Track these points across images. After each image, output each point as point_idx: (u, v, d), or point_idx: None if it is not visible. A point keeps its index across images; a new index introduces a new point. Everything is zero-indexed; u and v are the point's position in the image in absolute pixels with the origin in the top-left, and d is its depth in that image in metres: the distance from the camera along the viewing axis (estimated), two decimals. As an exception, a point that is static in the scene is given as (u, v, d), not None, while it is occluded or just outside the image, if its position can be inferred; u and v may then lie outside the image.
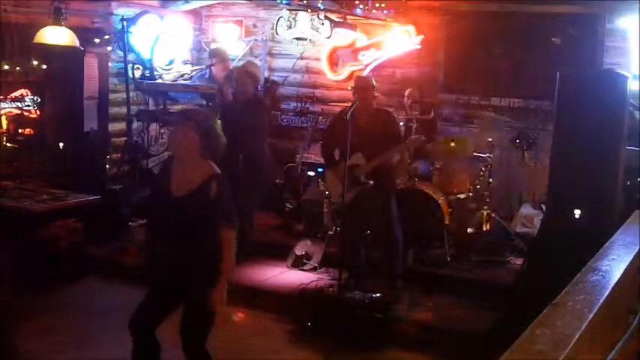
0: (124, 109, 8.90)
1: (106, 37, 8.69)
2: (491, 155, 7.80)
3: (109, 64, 8.81)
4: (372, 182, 6.46)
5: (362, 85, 6.72)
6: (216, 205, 4.31)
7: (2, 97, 7.79)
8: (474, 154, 7.86)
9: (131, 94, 8.95)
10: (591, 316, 1.86)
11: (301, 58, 9.89)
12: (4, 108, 7.85)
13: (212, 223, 4.31)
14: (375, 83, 6.75)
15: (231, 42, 10.09)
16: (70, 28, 7.53)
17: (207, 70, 9.34)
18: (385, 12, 8.66)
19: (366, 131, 6.38)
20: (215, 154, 4.41)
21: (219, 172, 4.37)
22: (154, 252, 4.54)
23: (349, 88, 7.10)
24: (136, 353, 4.47)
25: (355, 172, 6.46)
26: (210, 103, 9.20)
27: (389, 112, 6.98)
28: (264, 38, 9.97)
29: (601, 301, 1.98)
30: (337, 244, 7.05)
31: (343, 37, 9.36)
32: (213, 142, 4.37)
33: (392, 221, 6.67)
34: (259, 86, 8.69)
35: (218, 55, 9.23)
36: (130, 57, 9.04)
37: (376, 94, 6.71)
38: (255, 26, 10.12)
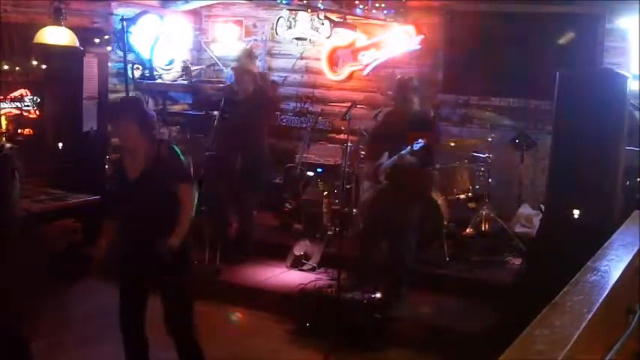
0: (123, 109, 8.89)
1: (106, 37, 8.68)
2: (491, 155, 7.80)
3: (109, 64, 8.80)
4: (385, 182, 6.45)
5: (400, 86, 6.78)
6: (171, 174, 4.51)
7: (2, 97, 7.78)
8: (474, 154, 7.87)
9: (131, 94, 8.95)
10: (590, 316, 1.86)
11: (301, 58, 9.88)
12: (4, 108, 7.85)
13: (169, 194, 4.48)
14: (416, 84, 6.76)
15: (231, 42, 10.09)
16: (69, 28, 7.53)
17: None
18: (385, 12, 8.66)
19: (399, 132, 6.38)
20: (152, 131, 4.60)
21: (160, 140, 4.65)
22: (122, 240, 4.67)
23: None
24: (128, 352, 4.58)
25: (378, 171, 6.48)
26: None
27: (426, 114, 6.97)
28: (264, 38, 9.97)
29: (600, 301, 1.98)
30: (337, 243, 7.05)
31: (343, 37, 9.35)
32: (148, 122, 4.58)
33: (405, 234, 6.58)
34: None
35: (246, 56, 9.18)
36: (130, 57, 9.04)
37: (415, 96, 6.69)
38: (255, 26, 10.11)
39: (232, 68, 8.38)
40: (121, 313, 4.65)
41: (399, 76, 8.14)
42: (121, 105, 5.07)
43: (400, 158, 6.39)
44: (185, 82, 9.79)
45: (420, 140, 6.30)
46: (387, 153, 6.45)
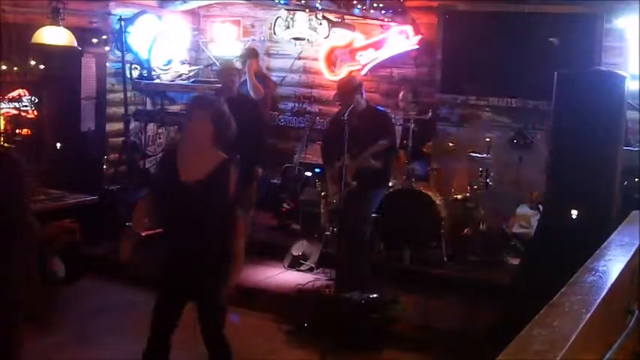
0: (121, 109, 8.90)
1: (104, 37, 8.68)
2: (489, 155, 7.81)
3: (107, 64, 8.81)
4: (354, 183, 6.46)
5: (341, 90, 6.79)
6: (228, 190, 4.33)
7: (0, 97, 7.78)
8: (472, 154, 7.87)
9: (129, 94, 8.95)
10: (588, 316, 1.86)
11: (299, 58, 9.88)
12: (2, 108, 7.84)
13: (225, 209, 4.34)
14: (356, 84, 6.74)
15: (229, 42, 10.09)
16: (67, 28, 7.52)
17: None
18: (383, 12, 8.66)
19: (354, 132, 6.36)
20: (226, 141, 4.42)
21: (227, 157, 4.39)
22: (167, 244, 4.51)
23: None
24: (149, 353, 4.48)
25: (343, 173, 6.44)
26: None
27: (378, 112, 6.94)
28: (262, 38, 9.97)
29: (598, 301, 1.98)
30: (334, 244, 7.07)
31: (341, 37, 9.36)
32: (225, 130, 4.39)
33: (359, 220, 6.61)
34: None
35: (251, 54, 9.16)
36: (128, 57, 9.03)
37: (358, 95, 6.67)
38: (252, 26, 10.11)
39: (220, 66, 8.29)
40: (154, 320, 4.46)
41: (341, 77, 8.15)
42: (203, 100, 4.92)
43: (365, 159, 6.46)
44: (183, 82, 9.79)
45: (382, 141, 6.37)
46: (347, 155, 6.41)
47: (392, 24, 8.98)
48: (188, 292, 4.47)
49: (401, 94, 8.48)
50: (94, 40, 8.51)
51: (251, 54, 8.84)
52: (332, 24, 9.02)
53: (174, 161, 4.40)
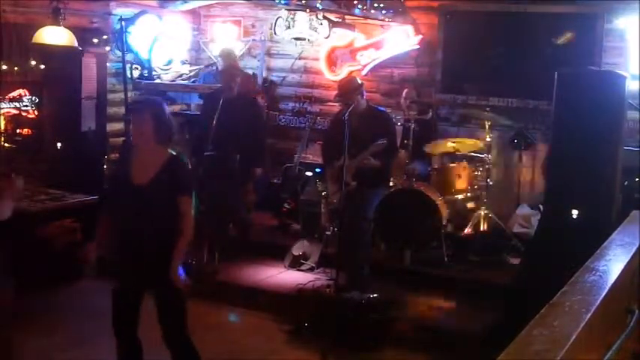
0: (122, 109, 8.88)
1: (105, 37, 8.67)
2: (489, 155, 7.81)
3: (108, 64, 8.79)
4: (354, 183, 6.46)
5: (342, 90, 6.79)
6: (176, 186, 4.47)
7: (1, 97, 7.78)
8: (472, 154, 7.87)
9: (129, 94, 8.93)
10: (588, 316, 1.86)
11: (299, 58, 9.88)
12: (3, 108, 7.84)
13: (175, 202, 4.46)
14: (356, 84, 6.74)
15: (230, 42, 10.08)
16: (68, 28, 7.52)
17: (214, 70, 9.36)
18: (384, 12, 8.65)
19: (355, 132, 6.36)
20: (167, 139, 4.56)
21: (174, 153, 4.54)
22: (119, 242, 4.65)
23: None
24: (121, 356, 4.55)
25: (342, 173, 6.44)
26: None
27: (378, 112, 6.95)
28: (263, 38, 9.97)
29: (598, 301, 1.99)
30: (335, 244, 7.07)
31: (342, 37, 9.36)
32: (164, 127, 4.52)
33: (359, 220, 6.62)
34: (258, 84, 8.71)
35: (226, 56, 9.18)
36: (129, 57, 9.01)
37: (358, 95, 6.66)
38: (253, 26, 10.11)
39: (220, 69, 8.32)
40: (114, 317, 4.61)
41: (341, 78, 8.15)
42: (143, 100, 5.23)
43: (363, 158, 6.46)
44: (184, 82, 9.79)
45: (379, 141, 6.37)
46: (347, 155, 6.40)
47: (392, 24, 8.98)
48: (141, 285, 4.59)
49: (405, 92, 8.47)
50: (95, 40, 8.50)
51: (225, 56, 8.86)
52: (332, 24, 9.01)
53: (129, 164, 4.56)
